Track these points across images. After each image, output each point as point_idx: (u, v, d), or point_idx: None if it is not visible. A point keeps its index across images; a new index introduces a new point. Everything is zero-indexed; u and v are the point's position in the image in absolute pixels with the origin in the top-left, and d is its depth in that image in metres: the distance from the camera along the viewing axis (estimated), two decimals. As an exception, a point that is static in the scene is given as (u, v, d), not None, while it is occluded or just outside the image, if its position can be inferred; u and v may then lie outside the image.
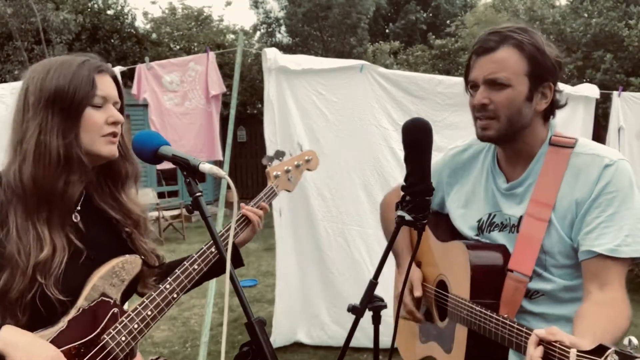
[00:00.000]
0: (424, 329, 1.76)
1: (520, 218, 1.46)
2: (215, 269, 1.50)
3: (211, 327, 3.78)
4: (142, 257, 1.39)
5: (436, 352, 1.66)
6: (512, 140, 1.48)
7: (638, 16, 9.11)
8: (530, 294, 1.45)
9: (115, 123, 1.31)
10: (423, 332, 1.77)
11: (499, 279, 1.44)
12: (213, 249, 1.46)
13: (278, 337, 4.06)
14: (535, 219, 1.42)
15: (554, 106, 1.47)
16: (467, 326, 1.46)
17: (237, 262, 1.61)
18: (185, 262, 1.42)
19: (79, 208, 1.34)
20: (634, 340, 0.89)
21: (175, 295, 1.37)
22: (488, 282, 1.46)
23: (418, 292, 1.68)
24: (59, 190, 1.24)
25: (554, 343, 1.07)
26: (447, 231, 1.67)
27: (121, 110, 1.37)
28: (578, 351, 1.00)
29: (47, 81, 1.24)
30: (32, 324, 1.20)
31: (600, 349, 0.95)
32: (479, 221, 1.57)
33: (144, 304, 1.32)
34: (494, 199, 1.54)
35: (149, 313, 1.31)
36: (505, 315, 1.35)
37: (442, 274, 1.65)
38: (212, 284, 3.71)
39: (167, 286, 1.36)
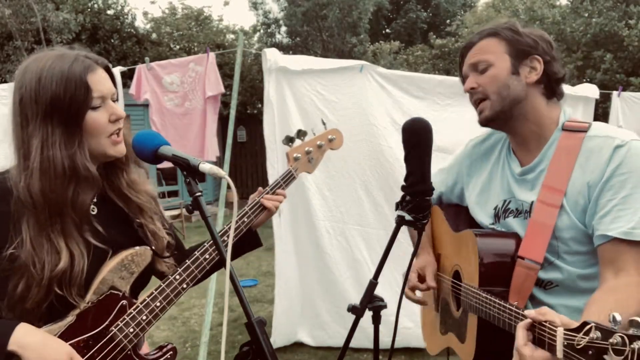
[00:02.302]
0: (444, 320, 1.78)
1: (532, 204, 1.45)
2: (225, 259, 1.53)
3: (211, 327, 3.78)
4: (153, 246, 1.39)
5: (453, 343, 1.68)
6: (511, 118, 1.48)
7: (638, 16, 9.11)
8: (544, 284, 1.44)
9: (118, 120, 1.31)
10: (442, 324, 1.79)
11: (508, 266, 1.43)
12: (225, 237, 1.46)
13: (278, 338, 4.06)
14: (546, 205, 1.40)
15: (551, 79, 1.48)
16: (475, 314, 1.46)
17: (256, 243, 1.67)
18: (196, 252, 1.41)
19: (95, 200, 1.35)
20: (617, 317, 0.89)
21: (185, 286, 1.37)
22: (497, 269, 1.45)
23: (432, 283, 1.70)
24: (69, 201, 1.23)
25: (544, 323, 1.06)
26: (466, 223, 1.68)
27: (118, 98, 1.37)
28: (566, 329, 0.98)
29: (41, 91, 1.21)
30: (48, 322, 1.22)
31: (585, 326, 0.95)
32: (495, 208, 1.57)
33: (153, 295, 1.33)
34: (509, 185, 1.54)
35: (158, 304, 1.32)
36: (515, 303, 1.32)
37: (456, 264, 1.66)
38: (212, 284, 3.71)
39: (177, 277, 1.36)
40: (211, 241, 1.43)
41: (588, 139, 1.39)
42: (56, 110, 1.21)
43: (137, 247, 1.35)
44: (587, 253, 1.38)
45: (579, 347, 0.92)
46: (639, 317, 0.87)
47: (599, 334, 0.89)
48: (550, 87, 1.48)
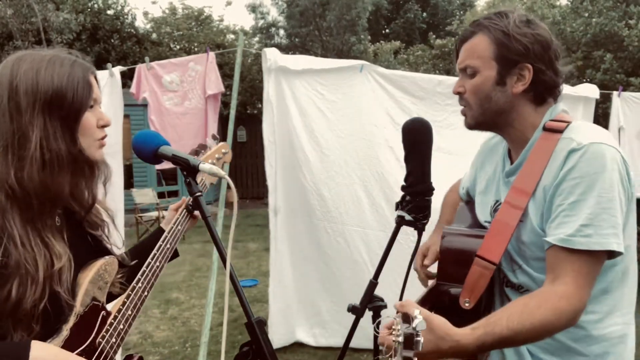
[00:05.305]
0: None
1: None
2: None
3: (211, 327, 3.78)
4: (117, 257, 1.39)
5: None
6: (495, 126, 1.46)
7: (638, 16, 9.11)
8: (517, 287, 1.44)
9: (104, 126, 1.30)
10: None
11: (466, 264, 1.41)
12: (169, 245, 1.49)
13: (275, 337, 4.05)
14: (510, 207, 1.38)
15: (540, 88, 1.39)
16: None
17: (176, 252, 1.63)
18: (149, 260, 1.41)
19: (59, 211, 1.30)
20: (417, 312, 0.97)
21: (146, 294, 1.36)
22: (454, 266, 1.45)
23: (427, 261, 1.69)
24: (66, 195, 1.23)
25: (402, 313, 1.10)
26: (474, 219, 1.67)
27: None
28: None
29: (41, 83, 1.19)
30: (44, 333, 1.18)
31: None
32: (490, 208, 1.55)
33: (126, 304, 1.31)
34: (499, 187, 1.53)
35: (130, 313, 1.31)
36: (465, 300, 1.35)
37: None
38: (212, 284, 3.71)
39: (140, 285, 1.35)
40: (159, 248, 1.45)
41: (561, 140, 1.34)
42: (57, 105, 1.20)
43: (107, 257, 1.34)
44: None
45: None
46: (417, 317, 0.96)
47: (399, 325, 0.98)
48: (540, 94, 1.41)
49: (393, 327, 0.97)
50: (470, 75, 1.41)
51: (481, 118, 1.43)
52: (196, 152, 1.82)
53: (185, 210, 1.64)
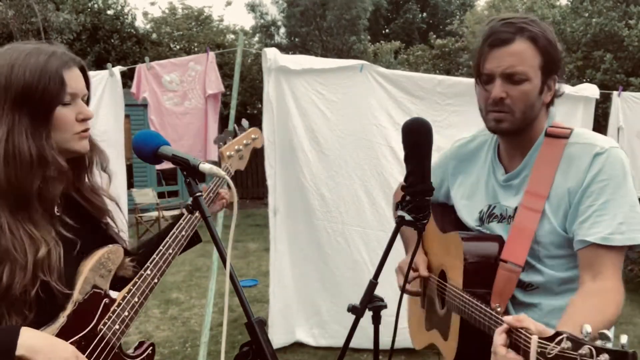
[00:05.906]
0: (429, 317, 1.81)
1: (516, 209, 1.47)
2: (185, 247, 1.53)
3: (211, 327, 3.78)
4: (122, 244, 1.41)
5: (436, 339, 1.73)
6: (520, 131, 1.47)
7: (638, 16, 9.10)
8: (525, 286, 1.47)
9: (85, 120, 1.29)
10: (427, 321, 1.82)
11: (491, 268, 1.46)
12: (184, 232, 1.49)
13: (275, 337, 4.05)
14: (528, 210, 1.43)
15: (555, 97, 1.48)
16: (459, 314, 1.51)
17: (197, 238, 1.62)
18: (161, 248, 1.43)
19: (58, 201, 1.32)
20: (588, 328, 0.91)
21: (156, 281, 1.38)
22: (480, 271, 1.48)
23: (424, 272, 1.74)
24: (35, 191, 1.21)
25: (520, 329, 1.09)
26: (453, 222, 1.70)
27: (87, 101, 1.34)
28: (540, 338, 1.00)
29: (14, 78, 1.18)
30: (39, 321, 1.20)
31: (558, 335, 0.96)
32: (480, 212, 1.59)
33: (132, 291, 1.33)
34: (494, 191, 1.56)
35: (136, 300, 1.33)
36: (497, 305, 1.35)
37: (442, 264, 1.69)
38: (212, 284, 3.71)
39: (149, 272, 1.37)
40: (173, 236, 1.46)
41: (569, 146, 1.41)
42: (27, 100, 1.19)
43: (111, 245, 1.35)
44: (566, 257, 1.41)
45: (550, 355, 0.95)
46: (607, 330, 0.90)
47: (570, 344, 0.91)
48: (552, 102, 1.49)
49: (563, 348, 0.92)
50: (518, 81, 1.38)
51: (520, 125, 1.43)
52: (222, 139, 1.86)
53: (209, 197, 1.65)
